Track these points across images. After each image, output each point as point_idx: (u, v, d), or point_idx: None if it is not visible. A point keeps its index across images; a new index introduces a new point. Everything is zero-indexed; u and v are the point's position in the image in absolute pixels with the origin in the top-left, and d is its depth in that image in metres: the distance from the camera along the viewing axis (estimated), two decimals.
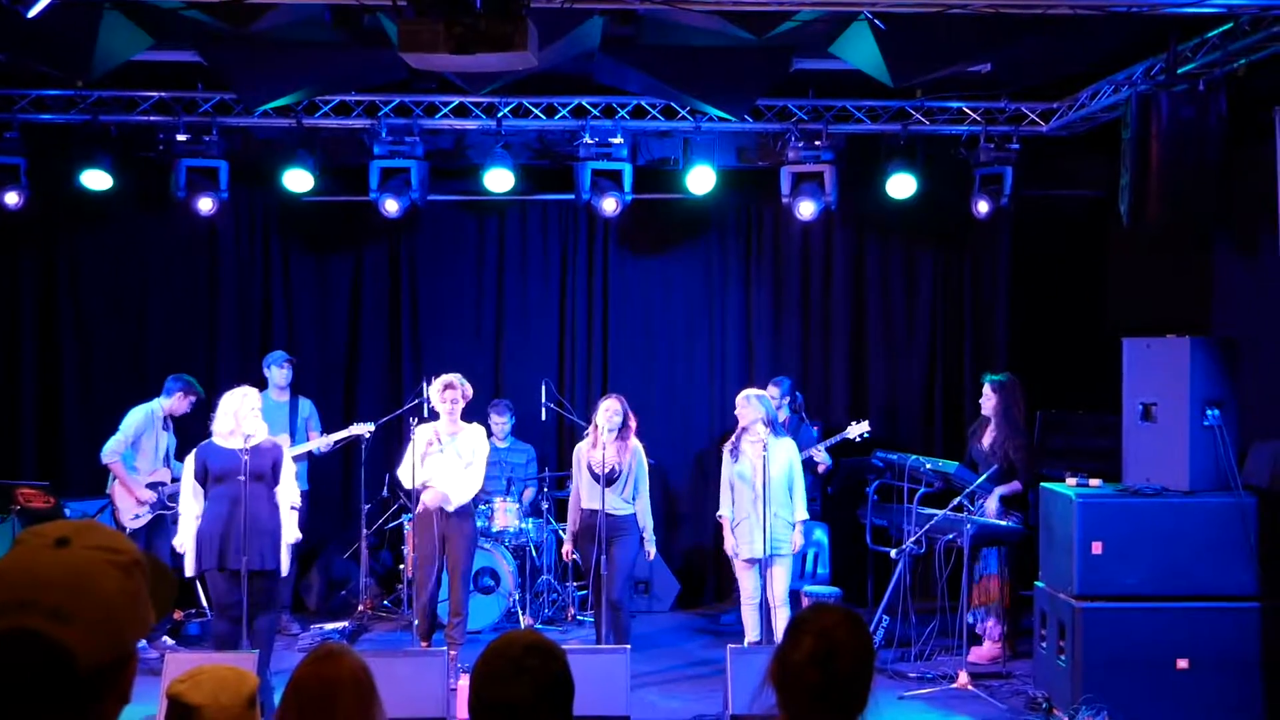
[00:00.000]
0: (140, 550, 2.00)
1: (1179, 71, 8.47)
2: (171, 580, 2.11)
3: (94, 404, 10.52)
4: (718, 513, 9.30)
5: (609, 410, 9.06)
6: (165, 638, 9.90)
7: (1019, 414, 9.85)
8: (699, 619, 11.53)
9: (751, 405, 9.02)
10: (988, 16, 7.78)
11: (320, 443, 10.65)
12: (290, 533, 8.68)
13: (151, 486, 9.91)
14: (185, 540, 8.44)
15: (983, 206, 10.65)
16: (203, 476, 8.39)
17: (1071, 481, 8.68)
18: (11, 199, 10.30)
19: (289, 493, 8.70)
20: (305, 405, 10.92)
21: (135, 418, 9.88)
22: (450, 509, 9.17)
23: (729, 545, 9.20)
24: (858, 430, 10.78)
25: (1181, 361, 8.39)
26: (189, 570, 8.48)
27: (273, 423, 10.12)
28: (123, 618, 1.90)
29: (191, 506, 8.46)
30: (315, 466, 10.98)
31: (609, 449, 8.99)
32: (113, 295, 11.87)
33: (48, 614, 1.82)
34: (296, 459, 10.06)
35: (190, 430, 9.95)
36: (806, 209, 10.75)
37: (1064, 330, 11.84)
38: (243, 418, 8.34)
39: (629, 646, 8.43)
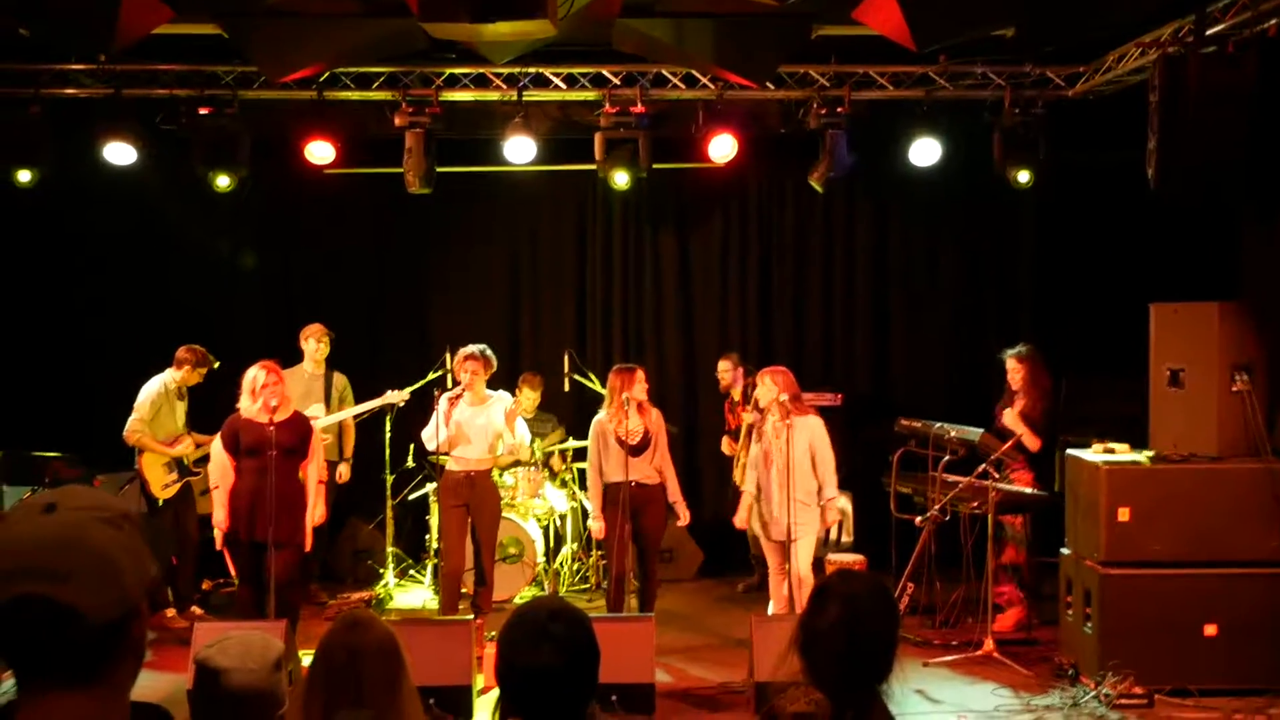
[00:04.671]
0: (129, 505, 2.02)
1: (1208, 33, 8.37)
2: (168, 534, 2.16)
3: (120, 377, 10.53)
4: (741, 486, 9.30)
5: (641, 381, 9.07)
6: (194, 608, 9.97)
7: (1044, 382, 9.80)
8: (723, 587, 11.53)
9: (765, 386, 8.95)
10: None
11: (351, 412, 10.66)
12: (316, 510, 8.74)
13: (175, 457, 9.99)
14: (219, 512, 8.52)
15: (1008, 172, 10.57)
16: (233, 448, 8.48)
17: (1098, 448, 8.66)
18: (34, 173, 10.30)
19: (317, 468, 8.76)
20: (340, 380, 10.93)
21: (149, 392, 9.94)
22: (510, 450, 9.52)
23: (739, 518, 9.18)
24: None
25: (1210, 326, 8.36)
26: (219, 543, 8.60)
27: (307, 395, 10.18)
28: (121, 569, 1.92)
29: (222, 478, 8.53)
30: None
31: (633, 418, 8.99)
32: (136, 268, 11.92)
33: (44, 576, 1.85)
34: (328, 431, 10.16)
35: (209, 397, 10.02)
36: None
37: (1090, 296, 11.79)
38: (261, 393, 8.39)
39: (654, 615, 8.45)
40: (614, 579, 9.13)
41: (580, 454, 10.78)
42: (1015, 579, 9.76)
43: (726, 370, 11.29)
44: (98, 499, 1.98)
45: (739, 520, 9.22)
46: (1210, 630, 8.16)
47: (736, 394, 11.18)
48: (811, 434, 8.88)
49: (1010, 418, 9.63)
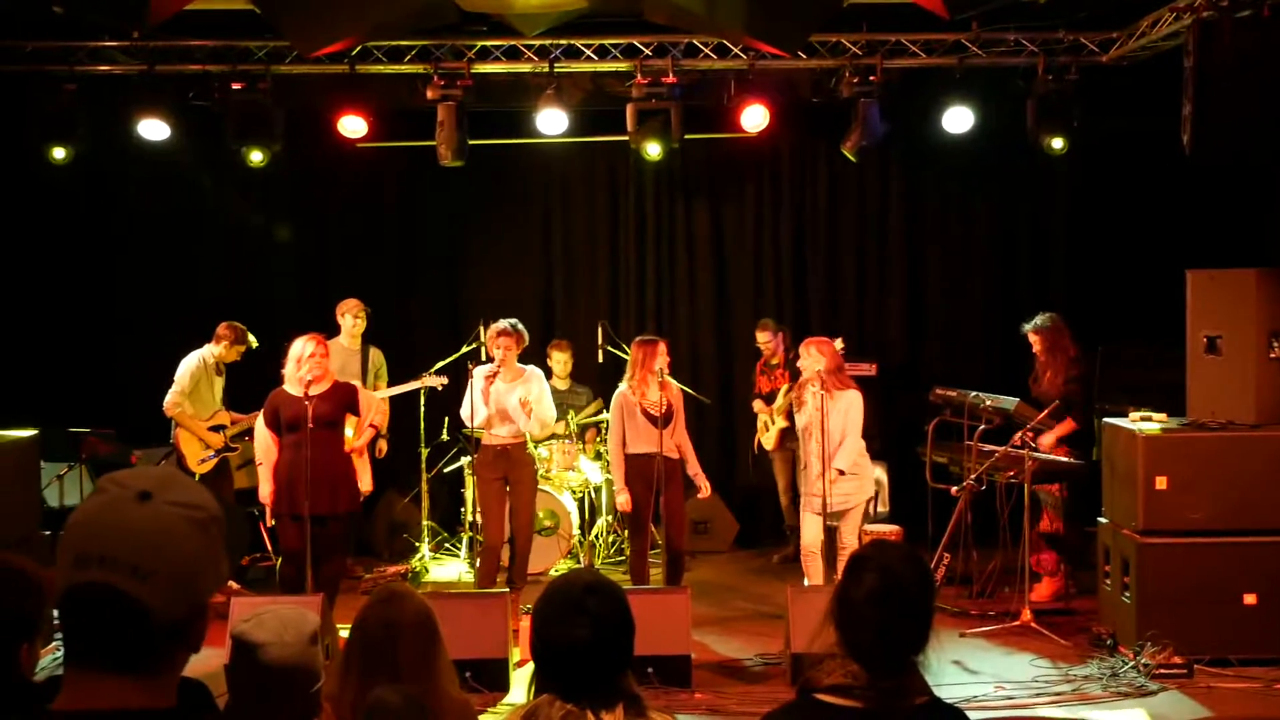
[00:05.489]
0: (217, 504, 2.01)
1: None
2: (243, 533, 2.15)
3: (154, 352, 10.61)
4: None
5: (664, 353, 9.07)
6: (231, 582, 10.02)
7: (1066, 349, 9.74)
8: (758, 558, 11.54)
9: (811, 356, 8.90)
10: None
11: (388, 393, 10.68)
12: (369, 412, 8.87)
13: (213, 430, 10.04)
14: (265, 488, 8.57)
15: (1041, 139, 10.49)
16: (274, 423, 8.51)
17: (1135, 416, 8.61)
18: (70, 149, 10.36)
19: (373, 414, 8.90)
20: (376, 356, 10.97)
21: (188, 366, 9.99)
22: (534, 432, 9.41)
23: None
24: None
25: (1247, 293, 8.29)
26: (269, 519, 8.68)
27: (344, 370, 10.21)
28: (199, 575, 1.93)
29: (265, 454, 8.59)
30: None
31: (653, 390, 8.98)
32: (169, 243, 11.97)
33: (125, 570, 1.85)
34: None
35: (247, 377, 10.08)
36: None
37: (1125, 263, 11.70)
38: (308, 361, 8.41)
39: (689, 587, 8.45)
40: (639, 552, 9.15)
41: None
42: (1054, 547, 9.71)
43: (767, 341, 11.19)
44: (194, 495, 1.97)
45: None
46: (1250, 599, 8.11)
47: (777, 360, 11.10)
48: (848, 409, 8.86)
49: (1048, 440, 9.54)
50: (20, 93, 10.30)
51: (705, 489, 9.44)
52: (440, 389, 10.60)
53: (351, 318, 10.76)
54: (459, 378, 9.91)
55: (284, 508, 8.46)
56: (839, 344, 9.79)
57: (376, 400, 9.22)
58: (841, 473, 8.78)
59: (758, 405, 11.16)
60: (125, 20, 9.35)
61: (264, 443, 8.65)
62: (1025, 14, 10.00)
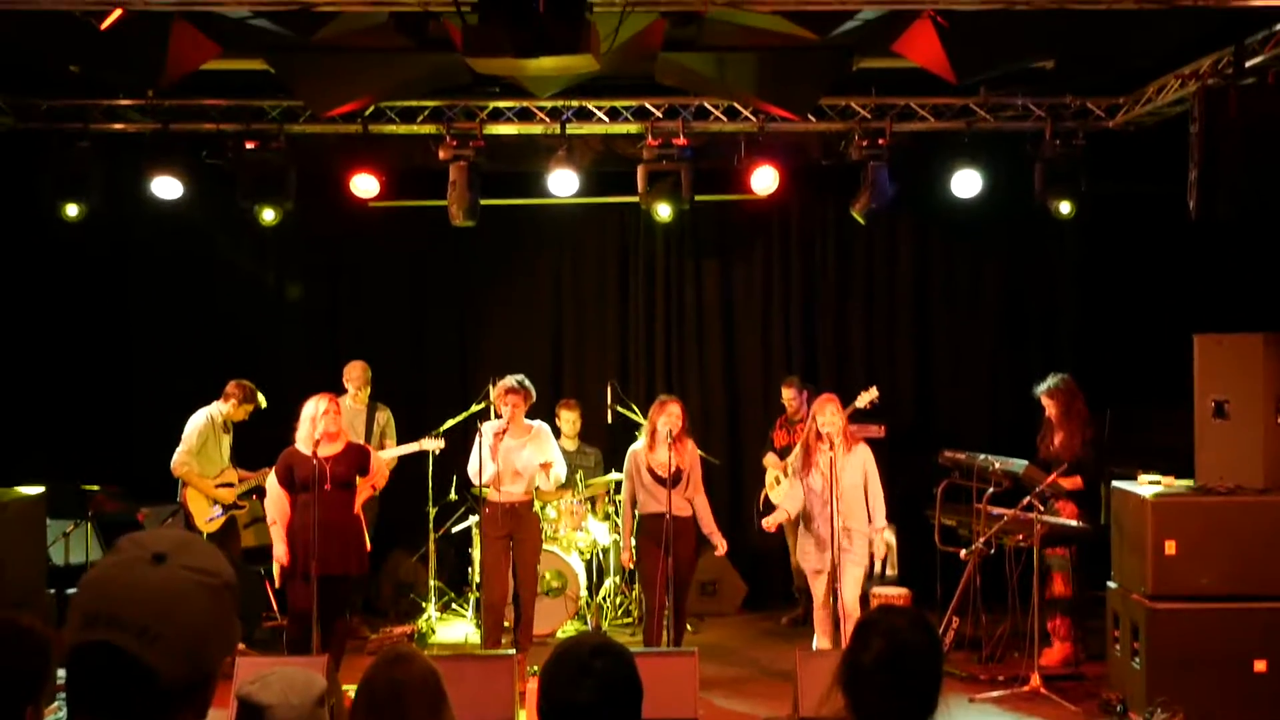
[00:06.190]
0: (233, 571, 2.01)
1: (1247, 65, 8.35)
2: (258, 599, 2.14)
3: (165, 409, 10.62)
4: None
5: (673, 414, 9.06)
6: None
7: (1080, 411, 9.73)
8: (767, 620, 11.49)
9: (840, 415, 8.91)
10: (1051, 11, 7.71)
11: (391, 454, 10.68)
12: (375, 475, 8.94)
13: (220, 488, 10.04)
14: (280, 549, 8.57)
15: (1049, 203, 10.54)
16: (288, 481, 8.53)
17: (1144, 480, 8.60)
18: (83, 206, 10.41)
19: (375, 477, 8.95)
20: (382, 415, 10.99)
21: (195, 425, 10.01)
22: (548, 486, 9.54)
23: (770, 520, 9.25)
24: (866, 398, 9.94)
25: (1254, 358, 8.30)
26: (278, 579, 8.68)
27: (348, 429, 10.21)
28: (207, 640, 1.93)
29: (279, 514, 8.60)
30: None
31: (661, 450, 8.98)
32: (182, 301, 12.03)
33: (135, 631, 1.85)
34: None
35: (254, 433, 10.09)
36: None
37: (1133, 327, 11.71)
38: (322, 419, 8.44)
39: (696, 650, 8.42)
40: (651, 611, 9.11)
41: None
42: (1066, 611, 9.66)
43: (792, 398, 11.16)
44: (209, 561, 1.97)
45: (769, 522, 9.27)
46: (1260, 666, 8.06)
47: (800, 416, 11.05)
48: (865, 463, 8.88)
49: (1066, 509, 9.56)
50: (35, 150, 10.38)
51: (721, 546, 9.40)
52: (438, 452, 10.57)
53: (354, 388, 10.80)
54: (468, 437, 9.91)
55: (299, 568, 8.46)
56: (874, 394, 9.84)
57: (382, 465, 9.24)
58: (882, 529, 8.83)
59: (769, 459, 11.12)
60: (140, 79, 9.44)
61: (277, 501, 8.65)
62: (1032, 79, 10.07)
